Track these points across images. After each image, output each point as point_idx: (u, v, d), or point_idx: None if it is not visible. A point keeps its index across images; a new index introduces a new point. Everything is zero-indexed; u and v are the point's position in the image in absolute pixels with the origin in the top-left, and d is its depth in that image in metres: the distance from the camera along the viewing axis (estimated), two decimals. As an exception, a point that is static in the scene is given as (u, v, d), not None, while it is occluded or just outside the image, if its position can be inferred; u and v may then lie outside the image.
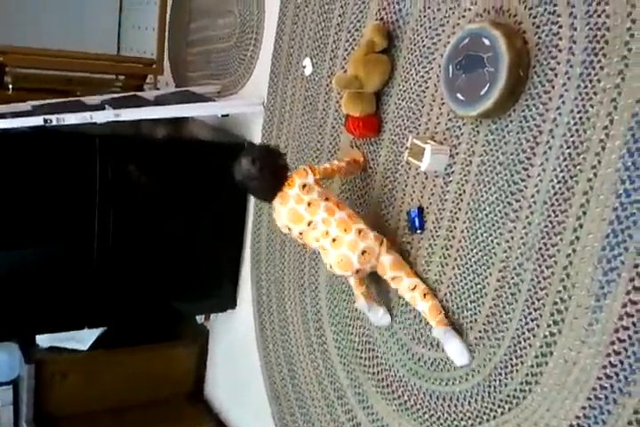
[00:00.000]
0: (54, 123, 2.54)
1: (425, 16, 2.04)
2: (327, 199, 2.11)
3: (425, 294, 1.99)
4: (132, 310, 3.07)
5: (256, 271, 3.14)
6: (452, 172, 1.94)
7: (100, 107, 2.84)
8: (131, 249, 2.95)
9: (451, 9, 1.93)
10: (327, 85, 2.56)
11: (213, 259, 3.22)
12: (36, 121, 2.55)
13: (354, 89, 2.19)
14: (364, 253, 2.01)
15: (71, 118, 2.59)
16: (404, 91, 2.13)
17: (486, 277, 1.82)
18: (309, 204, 2.09)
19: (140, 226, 2.95)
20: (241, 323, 3.31)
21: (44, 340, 3.22)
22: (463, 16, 1.89)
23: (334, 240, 2.04)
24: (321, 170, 2.18)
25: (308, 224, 2.10)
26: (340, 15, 2.47)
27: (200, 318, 3.64)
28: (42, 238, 2.77)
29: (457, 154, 1.92)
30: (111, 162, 2.74)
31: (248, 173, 2.13)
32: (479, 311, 1.84)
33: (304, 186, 2.11)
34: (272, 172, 2.15)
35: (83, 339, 3.25)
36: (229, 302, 3.36)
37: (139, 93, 3.33)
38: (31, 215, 2.68)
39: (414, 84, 2.09)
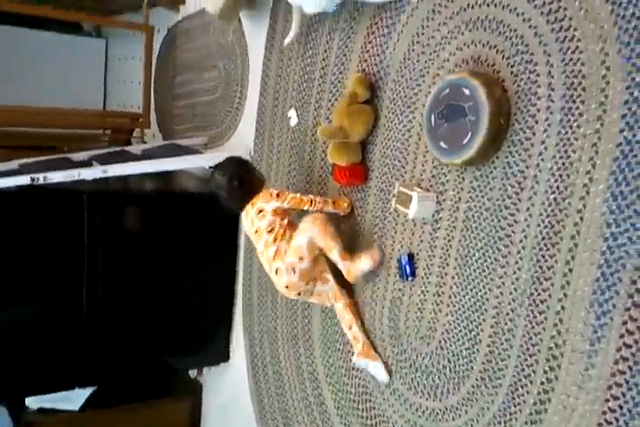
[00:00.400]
0: (41, 181, 2.56)
1: (405, 67, 2.08)
2: (271, 231, 2.25)
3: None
4: (124, 366, 3.02)
5: (248, 322, 3.11)
6: (440, 218, 1.95)
7: (87, 163, 2.86)
8: (120, 304, 2.92)
9: (430, 60, 1.98)
10: (312, 135, 2.59)
11: (205, 311, 3.19)
12: (23, 180, 2.57)
13: (339, 139, 2.22)
14: (287, 286, 2.24)
15: (58, 176, 2.61)
16: (389, 139, 2.16)
17: (480, 324, 1.80)
18: (256, 231, 2.29)
19: (130, 280, 2.93)
20: (234, 376, 3.25)
21: (33, 401, 3.14)
22: (442, 66, 1.93)
23: (268, 274, 2.32)
24: (289, 198, 2.27)
25: (256, 247, 2.34)
26: (322, 68, 2.52)
27: (193, 373, 3.58)
28: (30, 297, 2.74)
29: (444, 200, 1.94)
30: (99, 217, 2.74)
31: (219, 184, 2.34)
32: (475, 359, 1.82)
33: (260, 211, 2.28)
34: (240, 184, 2.32)
35: (73, 399, 3.18)
36: (222, 354, 3.32)
37: (126, 148, 3.36)
38: (20, 274, 2.66)
39: (398, 133, 2.12)
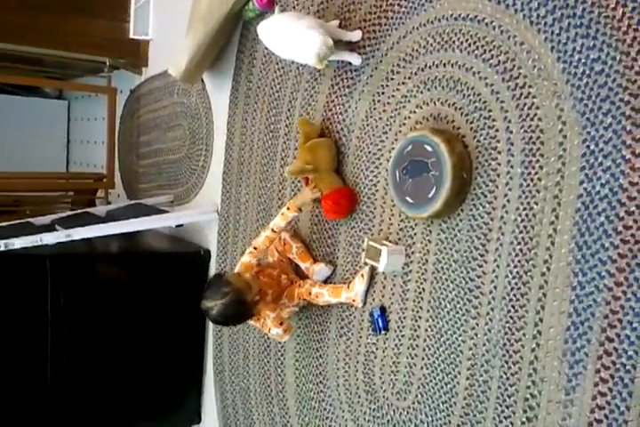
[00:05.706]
0: (2, 248, 2.51)
1: (368, 125, 2.13)
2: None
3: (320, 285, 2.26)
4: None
5: (220, 382, 3.04)
6: (410, 271, 1.97)
7: (50, 227, 2.82)
8: (86, 370, 2.84)
9: (391, 118, 2.03)
10: (279, 191, 2.61)
11: (174, 373, 3.13)
12: None
13: (309, 174, 2.19)
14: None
15: (20, 242, 2.56)
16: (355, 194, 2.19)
17: (455, 376, 1.80)
18: None
19: (96, 345, 2.86)
20: (207, 438, 3.17)
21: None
22: (404, 124, 1.98)
23: None
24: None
25: None
26: (286, 125, 2.57)
27: (164, 437, 3.47)
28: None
29: (412, 253, 1.96)
30: (63, 283, 2.68)
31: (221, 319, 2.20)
32: (452, 412, 1.81)
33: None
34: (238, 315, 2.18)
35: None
36: (194, 416, 3.24)
37: (90, 210, 3.33)
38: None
39: (364, 188, 2.15)
